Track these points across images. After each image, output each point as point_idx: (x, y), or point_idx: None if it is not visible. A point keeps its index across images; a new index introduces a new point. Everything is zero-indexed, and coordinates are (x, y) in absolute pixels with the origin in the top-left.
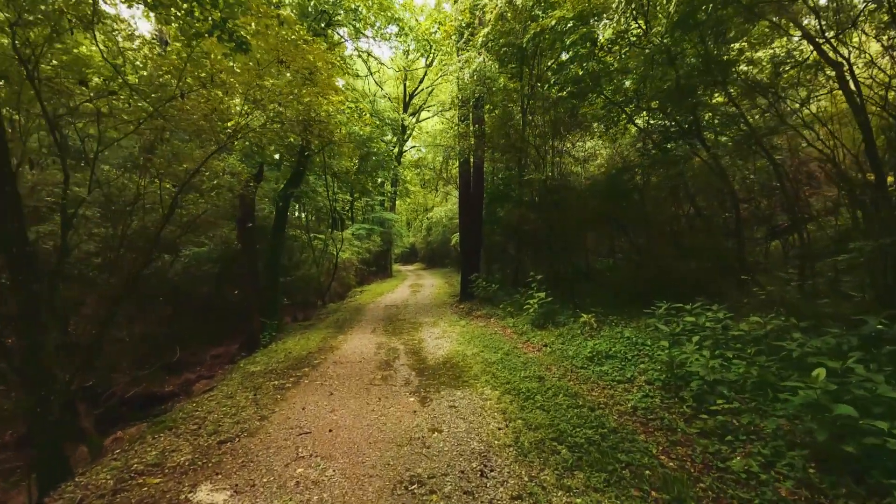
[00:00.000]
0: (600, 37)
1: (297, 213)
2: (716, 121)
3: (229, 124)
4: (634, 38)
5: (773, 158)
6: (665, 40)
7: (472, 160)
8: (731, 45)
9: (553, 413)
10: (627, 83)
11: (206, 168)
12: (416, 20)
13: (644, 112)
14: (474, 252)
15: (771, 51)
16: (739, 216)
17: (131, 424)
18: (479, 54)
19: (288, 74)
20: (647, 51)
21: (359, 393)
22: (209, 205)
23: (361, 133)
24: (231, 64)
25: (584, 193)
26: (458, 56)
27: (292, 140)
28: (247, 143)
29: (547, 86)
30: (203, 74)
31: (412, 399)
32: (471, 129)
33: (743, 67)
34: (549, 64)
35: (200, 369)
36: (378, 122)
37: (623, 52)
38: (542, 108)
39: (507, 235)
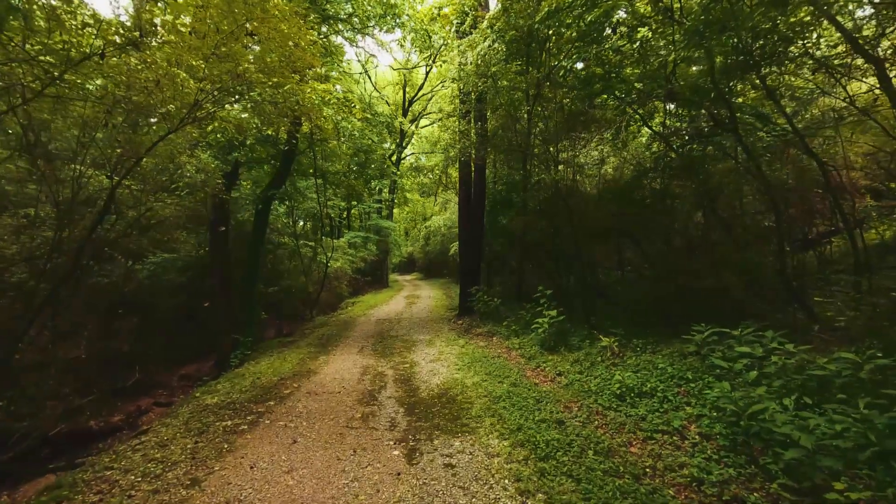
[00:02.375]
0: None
1: (290, 220)
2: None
3: (198, 114)
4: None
5: (820, 161)
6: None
7: (472, 164)
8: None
9: (585, 484)
10: (639, 85)
11: (157, 159)
12: (414, 9)
13: (660, 112)
14: (474, 263)
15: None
16: (782, 225)
17: (32, 481)
18: (485, 38)
19: (272, 62)
20: (687, 24)
21: (330, 440)
22: (175, 206)
23: (350, 127)
24: (169, 18)
25: (596, 200)
26: (458, 40)
27: (271, 133)
28: (218, 135)
29: (562, 71)
30: (130, 24)
31: (396, 452)
32: (472, 126)
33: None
34: (557, 62)
35: (162, 393)
36: (370, 116)
37: (648, 35)
38: (552, 108)
39: (510, 245)
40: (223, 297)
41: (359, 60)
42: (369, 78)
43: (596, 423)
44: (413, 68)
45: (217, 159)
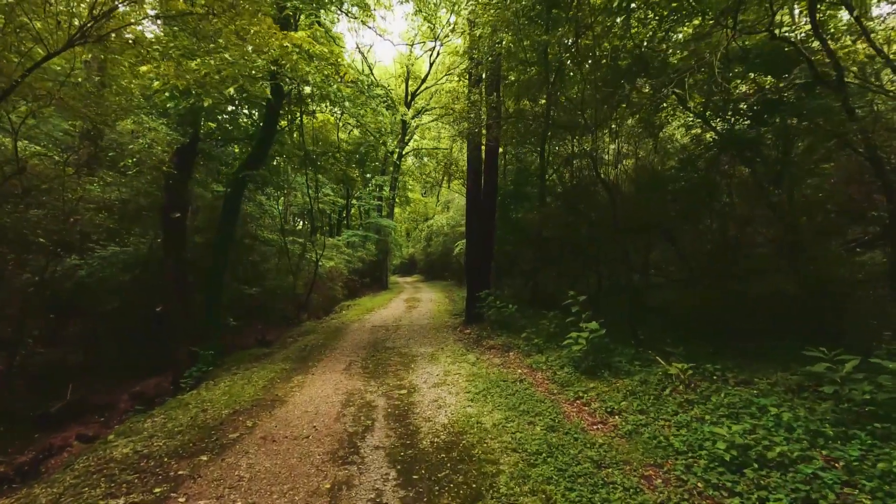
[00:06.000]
0: None
1: (280, 216)
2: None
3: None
4: None
5: None
6: None
7: (483, 148)
8: None
9: None
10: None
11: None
12: None
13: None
14: (483, 263)
15: None
16: None
17: None
18: None
19: None
20: None
21: None
22: (122, 186)
23: (337, 90)
24: None
25: (641, 187)
26: None
27: (233, 91)
28: (166, 94)
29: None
30: None
31: None
32: (483, 99)
33: None
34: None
35: (98, 420)
36: (362, 79)
37: None
38: (588, 68)
39: (524, 243)
40: (178, 300)
41: (359, 50)
42: (370, 68)
43: None
44: (424, 42)
45: (176, 132)
